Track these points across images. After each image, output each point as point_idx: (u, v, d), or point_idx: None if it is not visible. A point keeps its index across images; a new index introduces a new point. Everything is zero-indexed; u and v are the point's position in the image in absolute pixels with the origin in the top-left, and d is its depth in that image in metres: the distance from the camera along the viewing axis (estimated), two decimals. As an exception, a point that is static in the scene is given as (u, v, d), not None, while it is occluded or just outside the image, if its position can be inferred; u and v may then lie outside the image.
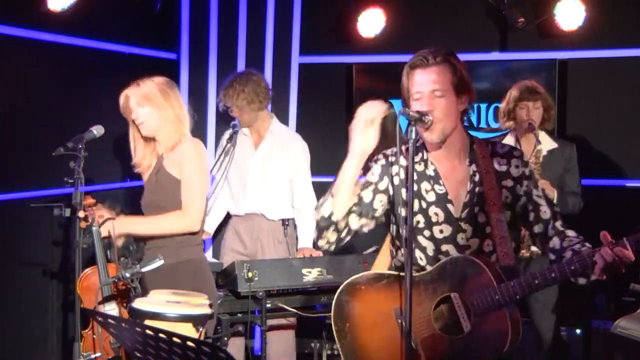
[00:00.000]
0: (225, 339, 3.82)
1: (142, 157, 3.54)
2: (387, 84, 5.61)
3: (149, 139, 3.52)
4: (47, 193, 4.41)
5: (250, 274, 3.76)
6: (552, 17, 5.21)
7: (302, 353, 4.90)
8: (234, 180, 4.67)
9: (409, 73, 2.66)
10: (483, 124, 5.40)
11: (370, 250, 4.78)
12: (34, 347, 4.54)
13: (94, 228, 3.17)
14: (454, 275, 2.52)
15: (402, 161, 2.69)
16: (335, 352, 5.28)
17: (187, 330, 2.99)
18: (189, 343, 1.93)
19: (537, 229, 2.64)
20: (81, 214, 3.10)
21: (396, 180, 2.70)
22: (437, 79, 2.59)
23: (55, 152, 3.17)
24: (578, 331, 4.83)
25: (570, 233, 2.65)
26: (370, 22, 5.46)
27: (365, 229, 2.73)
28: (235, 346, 4.23)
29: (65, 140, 3.23)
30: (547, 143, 4.39)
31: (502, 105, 4.49)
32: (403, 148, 2.69)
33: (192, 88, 5.51)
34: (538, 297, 4.20)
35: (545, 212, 2.64)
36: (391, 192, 2.72)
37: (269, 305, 3.86)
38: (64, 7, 4.42)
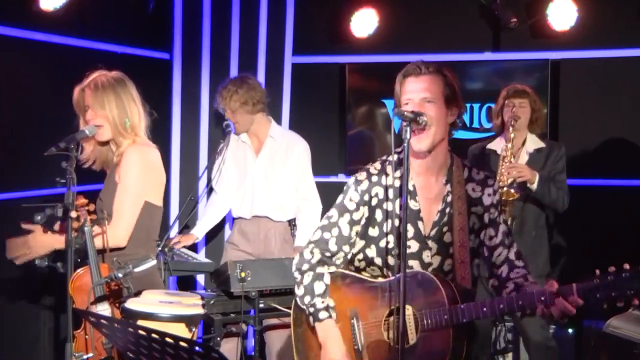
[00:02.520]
0: (218, 339, 3.81)
1: (91, 155, 3.45)
2: (380, 84, 5.62)
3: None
4: (39, 193, 4.40)
5: (243, 274, 3.75)
6: (545, 18, 5.22)
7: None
8: (237, 186, 4.68)
9: (401, 81, 2.69)
10: (476, 124, 5.41)
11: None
12: (27, 348, 4.52)
13: (86, 228, 3.16)
14: (412, 288, 2.57)
15: (383, 180, 2.72)
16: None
17: (180, 330, 2.98)
18: (182, 343, 1.93)
19: (493, 254, 2.70)
20: (73, 214, 3.09)
21: (374, 201, 2.73)
22: (428, 87, 2.62)
23: (47, 152, 3.15)
24: (570, 330, 4.84)
25: (519, 264, 2.71)
26: (364, 22, 5.47)
27: (349, 256, 2.80)
28: (228, 346, 4.23)
29: (57, 140, 3.22)
30: (535, 143, 4.43)
31: (494, 107, 4.57)
32: (388, 164, 2.74)
33: (185, 88, 5.50)
34: None
35: (503, 240, 2.70)
36: (365, 217, 2.74)
37: (262, 305, 3.85)
38: (56, 7, 4.41)
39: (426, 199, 2.69)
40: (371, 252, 2.73)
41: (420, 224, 2.68)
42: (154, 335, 1.96)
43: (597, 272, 2.35)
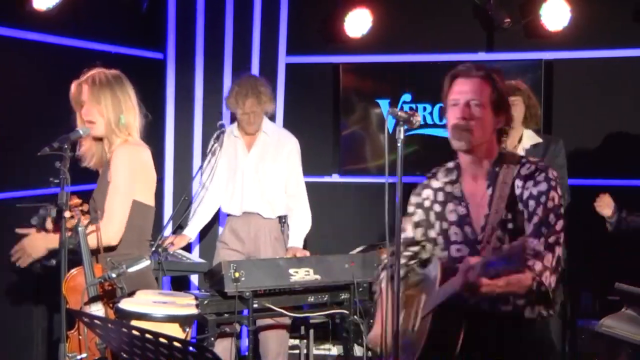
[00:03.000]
0: (212, 339, 3.81)
1: (87, 152, 3.45)
2: (374, 84, 5.63)
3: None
4: (33, 193, 4.39)
5: (237, 274, 3.75)
6: (538, 18, 5.23)
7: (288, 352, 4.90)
8: (227, 182, 4.68)
9: (450, 81, 2.68)
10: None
11: (357, 250, 4.80)
12: (20, 348, 4.51)
13: (80, 228, 3.16)
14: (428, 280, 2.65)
15: (434, 183, 2.77)
16: (322, 352, 5.29)
17: (174, 330, 2.98)
18: (176, 343, 1.93)
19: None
20: (67, 214, 3.08)
21: (426, 203, 2.78)
22: (476, 90, 2.61)
23: (40, 152, 3.15)
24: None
25: (547, 258, 2.58)
26: (357, 22, 5.47)
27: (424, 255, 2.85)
28: (223, 347, 4.23)
29: (51, 140, 3.21)
30: (531, 139, 4.42)
31: None
32: (442, 169, 2.78)
33: (179, 88, 5.50)
34: None
35: (533, 232, 2.58)
36: (423, 219, 2.80)
37: (255, 305, 3.86)
38: (50, 6, 4.40)
39: (475, 204, 2.68)
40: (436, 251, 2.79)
41: (467, 228, 2.68)
42: (147, 335, 1.96)
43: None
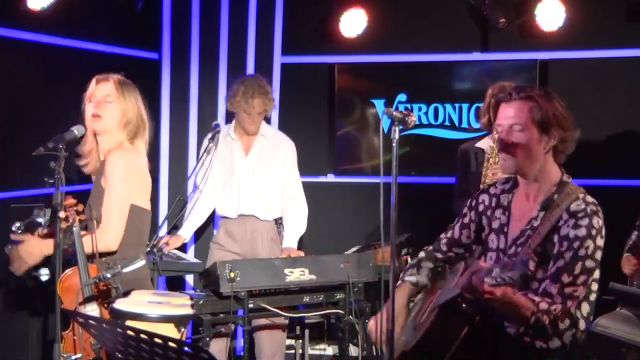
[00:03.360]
0: (207, 339, 3.80)
1: (89, 153, 3.46)
2: (369, 84, 5.63)
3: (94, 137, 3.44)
4: (28, 193, 4.38)
5: (232, 274, 3.74)
6: (533, 18, 5.24)
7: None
8: (222, 184, 4.67)
9: (495, 107, 2.83)
10: (465, 124, 5.42)
11: (352, 250, 4.80)
12: (15, 349, 4.50)
13: (74, 228, 3.15)
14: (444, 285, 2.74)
15: (492, 190, 2.84)
16: (317, 352, 5.29)
17: (169, 330, 2.98)
18: (171, 344, 1.92)
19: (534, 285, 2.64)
20: (62, 214, 3.08)
21: (480, 207, 2.86)
22: (515, 115, 2.65)
23: (35, 152, 3.14)
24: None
25: (557, 299, 2.58)
26: (353, 22, 5.48)
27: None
28: (218, 347, 4.22)
29: (45, 140, 3.21)
30: None
31: (482, 105, 4.53)
32: (503, 179, 2.85)
33: (174, 88, 5.49)
34: None
35: (552, 274, 2.58)
36: (475, 222, 2.88)
37: (251, 306, 3.85)
38: (44, 6, 4.38)
39: (516, 216, 2.72)
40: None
41: (502, 237, 2.73)
42: (142, 335, 1.96)
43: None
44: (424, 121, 5.47)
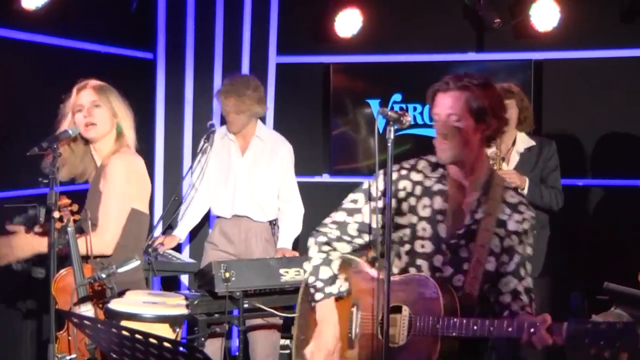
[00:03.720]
0: (203, 339, 3.80)
1: (65, 161, 3.43)
2: (365, 84, 5.63)
3: (78, 143, 3.44)
4: (22, 193, 4.37)
5: (227, 274, 3.74)
6: (528, 18, 5.24)
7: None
8: (218, 184, 4.67)
9: (432, 96, 2.71)
10: (459, 124, 5.42)
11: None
12: (9, 349, 4.49)
13: (69, 229, 3.15)
14: (415, 290, 2.58)
15: (413, 176, 2.75)
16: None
17: (164, 330, 2.97)
18: (166, 344, 1.92)
19: (501, 281, 2.67)
20: (56, 214, 3.07)
21: (401, 194, 2.75)
22: (452, 104, 2.63)
23: (29, 152, 3.14)
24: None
25: (524, 298, 2.67)
26: (348, 22, 5.47)
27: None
28: (213, 347, 4.22)
29: (40, 140, 3.20)
30: (525, 142, 4.42)
31: None
32: (424, 163, 2.77)
33: (169, 88, 5.48)
34: None
35: (515, 271, 2.66)
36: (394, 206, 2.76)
37: (246, 306, 3.85)
38: (38, 5, 4.38)
39: (455, 205, 2.70)
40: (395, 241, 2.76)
41: (441, 226, 2.68)
42: (137, 335, 1.96)
43: (594, 316, 2.35)
44: (419, 121, 5.48)
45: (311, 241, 2.85)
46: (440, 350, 2.52)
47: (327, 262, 2.78)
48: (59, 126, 3.40)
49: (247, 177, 4.61)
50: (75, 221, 3.18)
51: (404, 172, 2.76)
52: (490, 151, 4.34)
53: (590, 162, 5.30)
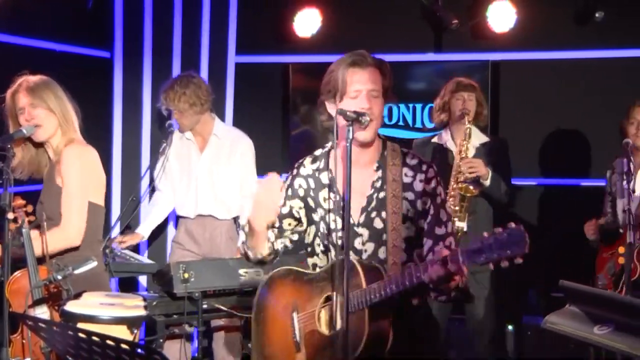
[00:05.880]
0: (161, 341, 3.77)
1: (22, 162, 3.41)
2: (324, 84, 5.64)
3: (32, 141, 3.40)
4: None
5: (186, 275, 3.72)
6: (485, 19, 5.31)
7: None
8: (180, 185, 4.64)
9: (346, 70, 2.67)
10: (419, 124, 5.47)
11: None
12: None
13: (24, 230, 3.10)
14: (335, 275, 2.59)
15: (302, 171, 2.77)
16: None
17: (122, 332, 2.95)
18: (123, 345, 1.90)
19: (424, 246, 2.72)
20: (10, 215, 3.02)
21: (301, 192, 2.77)
22: (373, 79, 2.65)
23: (-17, 152, 3.09)
24: (510, 327, 4.94)
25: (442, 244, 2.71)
26: (307, 22, 5.48)
27: (289, 246, 2.86)
28: (173, 348, 4.19)
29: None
30: (479, 137, 4.47)
31: (436, 101, 4.55)
32: (309, 158, 2.79)
33: (126, 87, 5.43)
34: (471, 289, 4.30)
35: (429, 231, 2.70)
36: (299, 207, 2.78)
37: (205, 306, 3.83)
38: (-8, 3, 4.30)
39: (353, 189, 2.66)
40: (317, 236, 2.78)
41: (346, 214, 2.69)
42: (94, 337, 1.93)
43: (485, 234, 2.38)
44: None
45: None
46: (368, 321, 2.51)
47: None
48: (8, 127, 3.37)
49: (209, 176, 4.59)
50: (30, 222, 3.14)
51: (294, 171, 2.81)
52: (447, 140, 4.40)
53: (544, 161, 5.39)
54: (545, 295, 4.84)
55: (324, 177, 2.74)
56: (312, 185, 2.75)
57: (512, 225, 2.33)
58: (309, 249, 2.84)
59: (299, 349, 2.69)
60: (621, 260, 4.13)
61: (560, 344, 4.31)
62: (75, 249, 3.30)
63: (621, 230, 4.20)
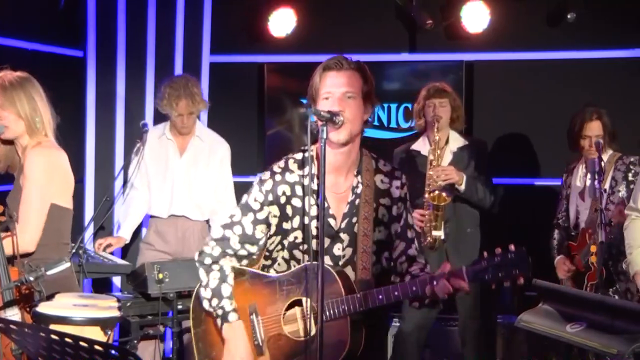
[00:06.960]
0: (135, 342, 3.75)
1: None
2: (299, 84, 5.61)
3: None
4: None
5: (160, 276, 3.70)
6: (459, 20, 5.35)
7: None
8: (156, 184, 4.61)
9: (321, 74, 2.69)
10: (393, 124, 5.49)
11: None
12: None
13: (-6, 231, 3.06)
14: (309, 280, 2.59)
15: (288, 177, 2.72)
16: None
17: (95, 334, 2.92)
18: (97, 347, 1.89)
19: (396, 249, 2.77)
20: (-19, 216, 2.99)
21: (282, 199, 2.73)
22: (349, 82, 2.64)
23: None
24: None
25: (421, 260, 2.79)
26: (281, 22, 5.48)
27: (254, 255, 2.78)
28: (147, 349, 4.17)
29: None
30: (458, 140, 4.49)
31: (414, 106, 4.59)
32: (293, 162, 2.75)
33: (99, 87, 5.39)
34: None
35: (401, 234, 2.77)
36: (274, 215, 2.73)
37: (180, 307, 3.81)
38: (-38, 1, 4.25)
39: (335, 195, 2.71)
40: (283, 246, 2.75)
41: (331, 220, 2.71)
42: (67, 339, 1.92)
43: (485, 254, 2.44)
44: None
45: (198, 264, 2.78)
46: (351, 329, 2.54)
47: (225, 279, 2.72)
48: None
49: (186, 177, 4.57)
50: (0, 223, 3.10)
51: (278, 177, 2.73)
52: (428, 149, 4.41)
53: (518, 160, 5.44)
54: (519, 294, 4.87)
55: (313, 184, 2.69)
56: (298, 192, 2.70)
57: (512, 247, 2.43)
58: (267, 254, 2.80)
59: (262, 352, 2.67)
60: (593, 258, 4.17)
61: (533, 342, 4.35)
62: (30, 254, 3.20)
63: (573, 233, 4.35)
